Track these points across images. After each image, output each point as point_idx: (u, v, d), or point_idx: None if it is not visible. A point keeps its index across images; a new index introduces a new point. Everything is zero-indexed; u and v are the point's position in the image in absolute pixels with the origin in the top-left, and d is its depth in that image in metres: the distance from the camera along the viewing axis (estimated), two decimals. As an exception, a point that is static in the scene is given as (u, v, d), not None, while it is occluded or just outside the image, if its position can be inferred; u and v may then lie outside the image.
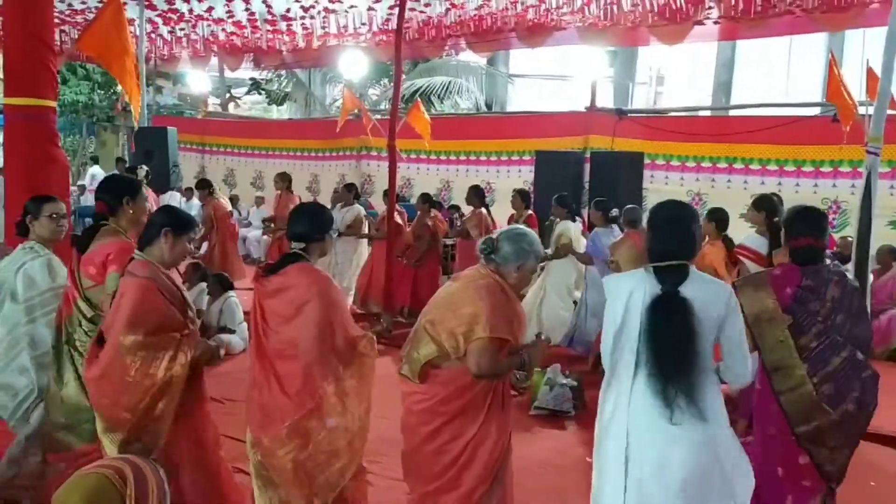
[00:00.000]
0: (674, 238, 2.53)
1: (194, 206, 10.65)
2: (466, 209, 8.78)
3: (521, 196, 7.99)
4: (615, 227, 6.43)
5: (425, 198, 8.37)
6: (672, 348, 2.39)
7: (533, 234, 2.98)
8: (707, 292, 2.49)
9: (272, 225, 9.02)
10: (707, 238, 5.37)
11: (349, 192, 8.58)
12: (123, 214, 3.16)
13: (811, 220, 3.13)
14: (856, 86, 6.72)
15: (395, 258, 7.64)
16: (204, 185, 8.77)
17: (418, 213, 8.31)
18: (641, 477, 2.44)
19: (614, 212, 6.46)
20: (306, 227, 2.98)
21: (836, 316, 2.96)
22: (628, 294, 2.53)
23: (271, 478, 2.91)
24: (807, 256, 3.05)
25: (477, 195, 8.08)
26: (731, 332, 2.50)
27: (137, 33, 8.76)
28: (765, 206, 5.05)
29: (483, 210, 8.01)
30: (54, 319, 3.26)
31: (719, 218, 5.45)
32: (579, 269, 7.01)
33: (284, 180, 8.85)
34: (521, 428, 4.79)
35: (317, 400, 2.81)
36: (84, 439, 3.12)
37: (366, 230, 8.57)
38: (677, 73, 18.88)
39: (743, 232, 5.41)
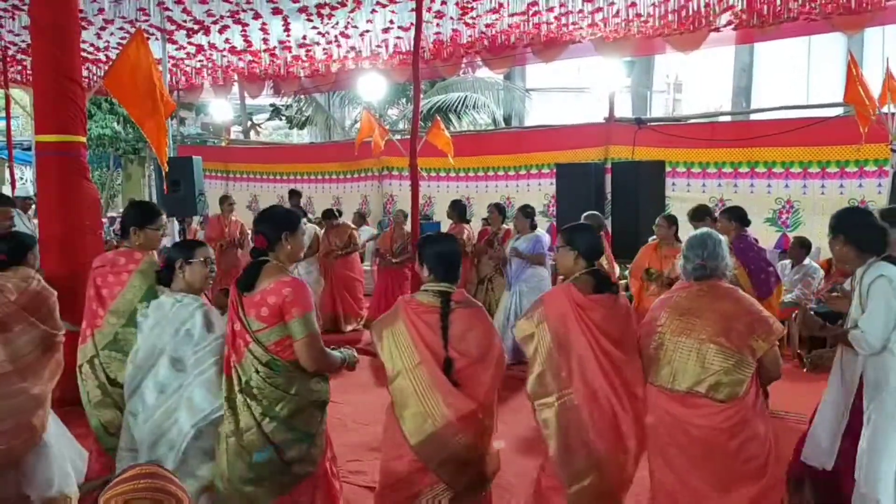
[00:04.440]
0: None
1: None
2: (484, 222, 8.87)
3: (497, 210, 7.84)
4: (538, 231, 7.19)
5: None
6: None
7: (707, 234, 3.14)
8: None
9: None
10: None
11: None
12: (282, 249, 3.00)
13: None
14: (878, 85, 6.65)
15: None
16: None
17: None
18: None
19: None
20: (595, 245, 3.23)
21: None
22: None
23: None
24: None
25: (457, 210, 8.43)
26: None
27: (161, 68, 8.95)
28: (733, 214, 5.57)
29: (465, 224, 8.34)
30: (213, 376, 3.06)
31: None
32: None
33: (227, 203, 9.00)
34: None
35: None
36: (274, 492, 2.92)
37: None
38: (695, 79, 18.81)
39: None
